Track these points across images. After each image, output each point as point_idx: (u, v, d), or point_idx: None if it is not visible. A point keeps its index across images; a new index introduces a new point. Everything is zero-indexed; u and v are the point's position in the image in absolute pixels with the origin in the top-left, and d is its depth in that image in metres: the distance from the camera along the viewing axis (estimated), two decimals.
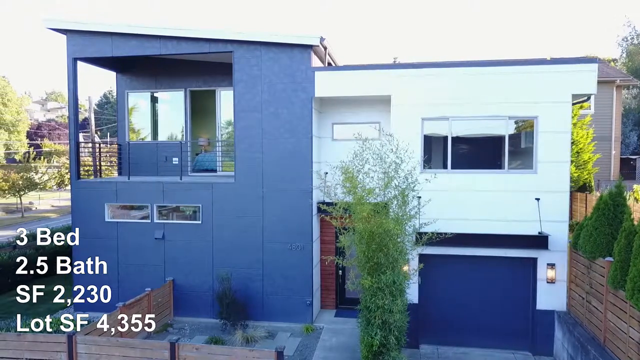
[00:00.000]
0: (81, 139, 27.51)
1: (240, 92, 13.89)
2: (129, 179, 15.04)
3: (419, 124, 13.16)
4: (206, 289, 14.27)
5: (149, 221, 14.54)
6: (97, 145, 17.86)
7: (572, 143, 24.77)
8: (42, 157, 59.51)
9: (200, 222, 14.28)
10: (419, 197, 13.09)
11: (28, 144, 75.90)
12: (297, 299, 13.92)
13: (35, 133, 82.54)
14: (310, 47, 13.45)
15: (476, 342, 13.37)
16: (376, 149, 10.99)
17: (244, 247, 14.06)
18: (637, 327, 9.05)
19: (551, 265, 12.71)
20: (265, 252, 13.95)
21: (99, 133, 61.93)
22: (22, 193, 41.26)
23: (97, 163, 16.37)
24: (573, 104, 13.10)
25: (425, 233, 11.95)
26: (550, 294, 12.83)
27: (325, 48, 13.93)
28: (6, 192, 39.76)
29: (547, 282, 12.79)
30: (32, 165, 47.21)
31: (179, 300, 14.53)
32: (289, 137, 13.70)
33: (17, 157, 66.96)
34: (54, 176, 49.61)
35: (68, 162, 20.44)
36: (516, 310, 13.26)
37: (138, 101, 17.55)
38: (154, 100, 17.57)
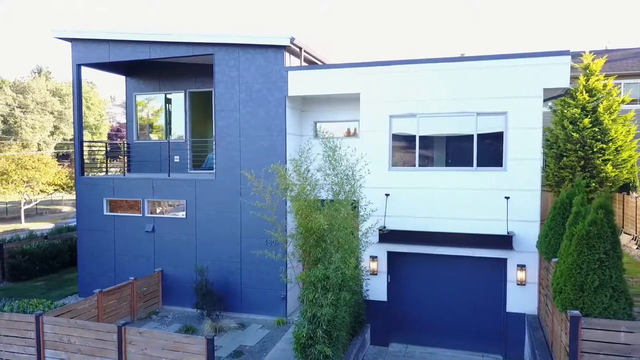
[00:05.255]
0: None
1: (220, 93, 14.51)
2: (124, 175, 16.14)
3: (387, 121, 13.13)
4: (190, 280, 15.00)
5: (141, 215, 15.53)
6: (105, 144, 19.21)
7: (610, 141, 23.39)
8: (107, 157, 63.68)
9: (185, 216, 15.05)
10: (387, 195, 13.16)
11: (108, 144, 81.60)
12: (272, 292, 14.32)
13: (115, 135, 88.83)
14: (283, 47, 13.81)
15: (447, 343, 13.14)
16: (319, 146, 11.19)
17: (224, 241, 14.67)
18: (565, 330, 8.65)
19: (521, 267, 12.25)
20: (243, 246, 14.46)
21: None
22: None
23: (106, 160, 17.67)
24: (545, 100, 12.50)
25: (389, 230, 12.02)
26: (521, 297, 12.36)
27: (300, 48, 14.20)
28: (72, 188, 43.17)
29: (517, 284, 12.34)
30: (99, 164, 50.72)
31: (167, 290, 15.40)
32: (264, 135, 14.13)
33: (98, 157, 72.20)
34: (116, 173, 53.21)
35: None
36: (488, 312, 12.87)
37: (152, 103, 18.68)
38: (167, 101, 18.62)
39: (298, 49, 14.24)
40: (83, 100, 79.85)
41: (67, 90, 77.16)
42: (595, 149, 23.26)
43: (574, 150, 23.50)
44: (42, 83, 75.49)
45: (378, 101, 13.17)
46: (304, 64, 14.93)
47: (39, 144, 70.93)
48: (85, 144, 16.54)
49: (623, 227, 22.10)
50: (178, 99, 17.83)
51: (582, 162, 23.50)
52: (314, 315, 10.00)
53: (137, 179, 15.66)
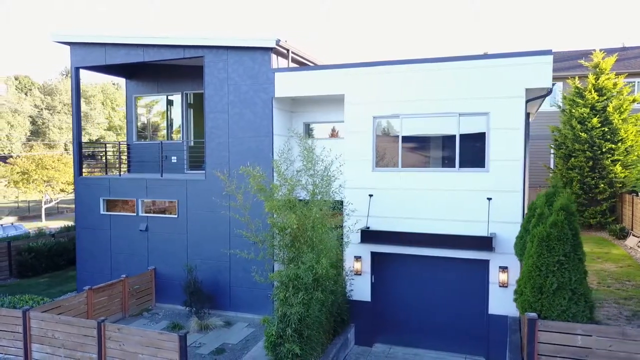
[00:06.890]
0: None
1: (209, 95, 14.76)
2: (119, 175, 16.53)
3: (371, 122, 13.15)
4: (182, 278, 15.26)
5: (135, 214, 15.88)
6: (104, 146, 19.69)
7: (619, 141, 22.88)
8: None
9: (177, 216, 15.34)
10: (371, 196, 13.20)
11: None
12: (259, 291, 14.46)
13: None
14: (270, 49, 13.95)
15: (431, 344, 13.09)
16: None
17: (213, 240, 14.90)
18: (522, 332, 8.57)
19: (503, 269, 12.13)
20: (232, 245, 14.63)
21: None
22: None
23: (105, 160, 18.15)
24: (528, 101, 12.33)
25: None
26: (503, 299, 12.21)
27: (287, 50, 14.33)
28: None
29: (500, 286, 12.22)
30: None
31: (160, 288, 15.72)
32: (252, 136, 14.30)
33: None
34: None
35: None
36: (471, 314, 12.78)
37: (152, 104, 19.10)
38: (169, 103, 19.00)
39: (285, 51, 14.37)
40: (108, 102, 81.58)
41: (92, 92, 78.65)
42: (604, 149, 22.83)
43: (582, 150, 23.09)
44: (69, 84, 77.37)
45: (362, 102, 13.20)
46: (292, 65, 15.07)
47: (65, 144, 72.73)
48: (84, 144, 16.92)
49: (632, 229, 21.56)
50: (176, 100, 18.17)
51: (591, 163, 23.08)
52: (284, 314, 10.13)
53: (131, 179, 16.04)
